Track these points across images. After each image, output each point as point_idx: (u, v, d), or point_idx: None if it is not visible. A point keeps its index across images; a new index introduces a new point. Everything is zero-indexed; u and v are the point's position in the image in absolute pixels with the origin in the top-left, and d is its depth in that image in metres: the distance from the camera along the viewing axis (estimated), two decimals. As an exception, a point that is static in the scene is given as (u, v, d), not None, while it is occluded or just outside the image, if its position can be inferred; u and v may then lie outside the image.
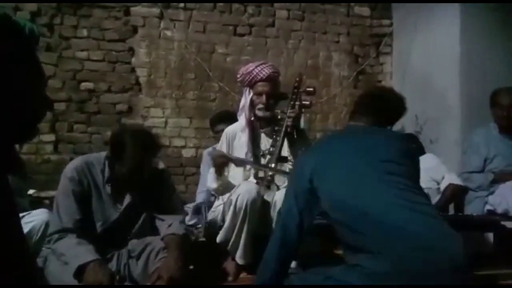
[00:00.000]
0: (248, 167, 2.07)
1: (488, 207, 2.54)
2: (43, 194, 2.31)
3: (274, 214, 1.87)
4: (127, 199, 1.70)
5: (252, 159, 2.05)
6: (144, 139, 1.65)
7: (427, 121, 3.40)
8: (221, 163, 1.96)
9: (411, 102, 3.75)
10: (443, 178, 2.74)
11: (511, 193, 2.41)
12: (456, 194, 2.69)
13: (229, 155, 2.01)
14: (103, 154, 1.72)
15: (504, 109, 2.61)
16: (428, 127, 3.27)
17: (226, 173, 2.01)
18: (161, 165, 1.84)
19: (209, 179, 2.06)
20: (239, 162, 1.98)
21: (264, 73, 2.04)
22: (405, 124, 3.76)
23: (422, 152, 3.03)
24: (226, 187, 2.01)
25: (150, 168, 1.69)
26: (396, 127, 3.83)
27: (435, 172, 2.74)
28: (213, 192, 2.19)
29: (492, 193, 2.54)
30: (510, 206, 2.37)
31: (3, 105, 0.76)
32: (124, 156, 1.59)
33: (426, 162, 2.72)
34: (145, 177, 1.67)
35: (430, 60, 3.53)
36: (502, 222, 2.15)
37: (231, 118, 2.81)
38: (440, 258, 1.21)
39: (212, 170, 2.03)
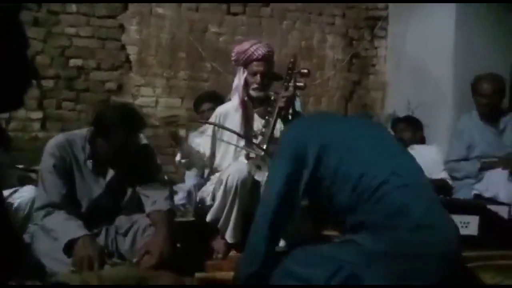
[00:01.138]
0: (239, 147, 2.06)
1: (474, 191, 2.56)
2: (31, 168, 2.28)
3: (264, 194, 1.87)
4: (110, 174, 1.69)
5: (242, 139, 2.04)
6: (130, 116, 1.63)
7: (419, 106, 3.40)
8: (171, 122, 1.96)
9: (404, 87, 3.83)
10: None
11: (499, 179, 2.44)
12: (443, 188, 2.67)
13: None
14: (85, 130, 1.70)
15: (486, 97, 2.58)
16: (420, 112, 3.27)
17: (196, 144, 2.02)
18: (144, 140, 1.82)
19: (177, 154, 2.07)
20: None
21: (259, 52, 2.00)
22: (396, 108, 3.77)
23: (423, 140, 3.05)
24: (192, 161, 2.03)
25: (134, 145, 1.68)
26: (388, 111, 3.90)
27: (432, 169, 2.70)
28: (177, 164, 2.20)
29: (479, 180, 2.56)
30: (499, 191, 2.39)
31: None
32: (109, 134, 1.58)
33: (429, 154, 2.72)
34: (127, 154, 1.66)
35: (425, 45, 3.51)
36: (488, 206, 2.18)
37: (216, 98, 2.79)
38: (438, 242, 1.21)
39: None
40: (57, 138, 1.68)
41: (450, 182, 2.71)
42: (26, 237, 1.60)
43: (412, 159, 1.40)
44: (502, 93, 2.66)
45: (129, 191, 1.73)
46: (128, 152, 1.65)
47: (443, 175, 2.74)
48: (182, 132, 3.40)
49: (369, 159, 1.30)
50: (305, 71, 2.00)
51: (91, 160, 1.66)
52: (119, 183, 1.71)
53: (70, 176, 1.63)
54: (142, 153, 1.76)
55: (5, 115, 2.92)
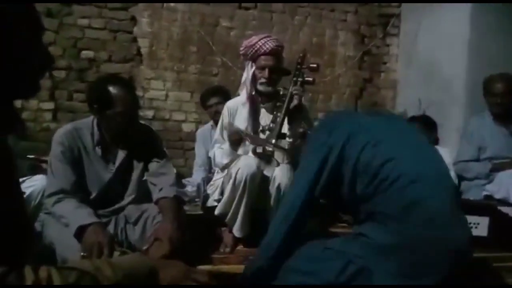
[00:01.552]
0: (247, 142, 2.05)
1: (485, 192, 2.54)
2: (42, 158, 2.30)
3: (273, 189, 1.87)
4: (119, 159, 1.70)
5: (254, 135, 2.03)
6: (123, 81, 1.65)
7: (430, 106, 3.37)
8: (236, 140, 1.95)
9: (415, 85, 3.79)
10: None
11: (510, 180, 2.41)
12: None
13: (246, 132, 1.98)
14: (91, 118, 1.71)
15: (497, 97, 2.57)
16: (431, 112, 3.24)
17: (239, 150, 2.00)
18: (149, 125, 1.85)
19: (218, 155, 2.02)
20: (254, 140, 1.94)
21: (267, 46, 1.99)
22: (408, 107, 3.74)
23: (436, 141, 3.01)
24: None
25: (137, 116, 1.69)
26: (399, 110, 3.87)
27: None
28: (215, 168, 2.17)
29: (491, 181, 2.53)
30: (510, 193, 2.37)
31: (2, 58, 0.73)
32: (111, 100, 1.58)
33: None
34: (134, 130, 1.67)
35: (438, 45, 3.47)
36: (499, 207, 2.16)
37: (223, 93, 2.80)
38: (449, 240, 1.19)
39: (224, 146, 2.01)
40: (65, 127, 1.69)
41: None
42: (37, 225, 1.62)
43: (436, 155, 1.39)
44: None
45: (138, 175, 1.75)
46: (134, 127, 1.66)
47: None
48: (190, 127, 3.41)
49: (391, 151, 1.29)
50: (314, 65, 1.99)
51: (99, 146, 1.68)
52: (128, 167, 1.73)
53: (79, 164, 1.65)
54: (148, 137, 1.78)
55: (17, 105, 2.95)
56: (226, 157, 1.98)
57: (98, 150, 1.68)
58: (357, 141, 1.31)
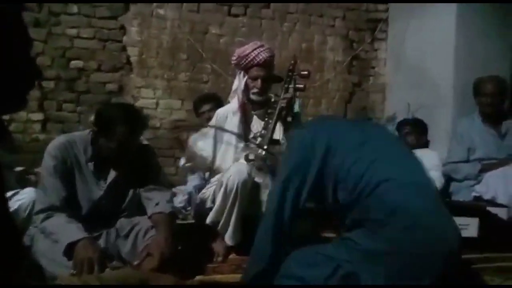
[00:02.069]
0: (239, 149, 2.06)
1: (474, 194, 2.57)
2: (31, 170, 2.27)
3: (264, 196, 1.86)
4: (111, 176, 1.69)
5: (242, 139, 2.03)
6: (132, 112, 1.64)
7: (419, 109, 3.40)
8: (177, 126, 1.95)
9: (404, 89, 3.83)
10: None
11: (498, 180, 2.44)
12: None
13: (190, 123, 2.00)
14: (86, 132, 1.70)
15: (488, 97, 2.62)
16: (420, 115, 3.27)
17: (199, 148, 2.00)
18: (144, 142, 1.82)
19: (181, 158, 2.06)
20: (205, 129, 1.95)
21: (260, 57, 1.99)
22: (397, 111, 3.77)
23: (427, 143, 3.05)
24: (196, 165, 2.02)
25: (136, 144, 1.67)
26: (388, 113, 3.90)
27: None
28: (181, 168, 2.18)
29: (479, 182, 2.56)
30: (497, 193, 2.40)
31: None
32: (113, 131, 1.57)
33: (427, 159, 2.72)
34: (129, 153, 1.65)
35: (425, 48, 3.51)
36: (488, 208, 2.18)
37: (215, 99, 2.79)
38: (436, 242, 1.21)
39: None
40: (58, 139, 1.67)
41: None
42: (26, 240, 1.60)
43: (416, 160, 1.41)
44: (504, 94, 2.68)
45: (130, 193, 1.73)
46: (131, 152, 1.65)
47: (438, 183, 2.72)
48: (185, 136, 3.42)
49: (370, 159, 1.31)
50: (305, 72, 2.01)
51: (92, 162, 1.66)
52: (120, 185, 1.71)
53: (71, 178, 1.63)
54: (143, 154, 1.76)
55: (6, 117, 2.91)
56: (184, 158, 2.02)
57: (91, 165, 1.66)
58: (337, 150, 1.33)
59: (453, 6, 3.27)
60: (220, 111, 2.14)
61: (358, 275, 1.21)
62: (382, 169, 1.28)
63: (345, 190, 1.30)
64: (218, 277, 1.73)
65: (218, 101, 2.73)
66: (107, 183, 1.68)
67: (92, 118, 1.69)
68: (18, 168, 2.33)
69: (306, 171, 1.34)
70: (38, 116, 3.33)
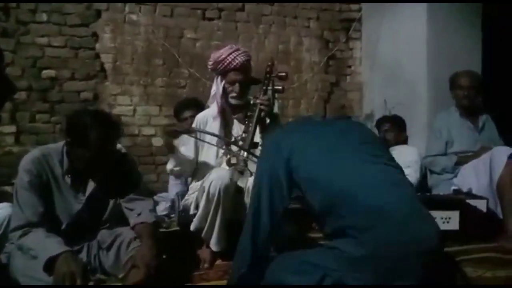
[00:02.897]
0: (220, 153, 2.04)
1: (453, 187, 2.62)
2: (6, 187, 2.19)
3: (247, 200, 1.85)
4: (89, 188, 1.64)
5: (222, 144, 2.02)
6: (104, 117, 1.58)
7: (396, 106, 3.47)
8: (170, 131, 1.91)
9: (380, 87, 3.89)
10: None
11: (470, 172, 2.50)
12: None
13: (180, 127, 1.98)
14: (61, 144, 1.64)
15: (464, 89, 2.71)
16: (397, 112, 3.33)
17: (182, 153, 1.98)
18: (123, 150, 1.77)
19: (169, 161, 2.02)
20: (203, 133, 1.92)
21: (237, 61, 1.98)
22: (374, 108, 3.83)
23: (405, 140, 3.10)
24: (184, 169, 2.00)
25: (113, 151, 1.63)
26: (366, 111, 3.96)
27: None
28: (169, 173, 2.14)
29: (457, 175, 2.62)
30: (472, 185, 2.46)
31: None
32: (85, 139, 1.51)
33: (405, 155, 2.77)
34: (108, 162, 1.60)
35: (398, 46, 3.59)
36: (467, 200, 2.23)
37: (197, 104, 2.75)
38: (417, 240, 1.21)
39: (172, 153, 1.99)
40: (33, 154, 1.61)
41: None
42: (3, 257, 1.54)
43: (390, 158, 1.42)
44: (480, 87, 2.76)
45: (111, 204, 1.69)
46: (108, 160, 1.60)
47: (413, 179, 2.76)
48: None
49: (339, 163, 1.31)
50: (283, 74, 2.01)
51: (69, 175, 1.61)
52: (99, 197, 1.66)
53: (47, 192, 1.58)
54: (122, 163, 1.71)
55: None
56: (170, 162, 1.99)
57: (68, 178, 1.61)
58: (299, 158, 1.33)
59: (423, 4, 3.34)
60: (199, 116, 2.11)
61: (346, 283, 1.21)
62: (352, 174, 1.28)
63: (316, 198, 1.30)
64: (205, 284, 1.70)
65: (200, 106, 2.70)
66: (86, 195, 1.63)
67: (63, 128, 1.63)
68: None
69: (276, 175, 1.34)
70: (11, 128, 3.23)
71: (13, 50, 3.23)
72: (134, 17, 3.52)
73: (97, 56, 3.46)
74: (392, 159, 1.44)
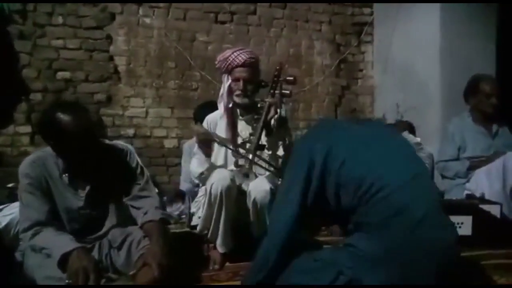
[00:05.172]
0: (229, 155, 2.04)
1: (466, 192, 2.59)
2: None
3: (249, 203, 1.84)
4: (88, 185, 1.64)
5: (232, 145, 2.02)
6: (71, 111, 1.52)
7: (408, 110, 3.44)
8: (204, 140, 1.91)
9: (392, 90, 3.87)
10: None
11: (483, 177, 2.47)
12: None
13: (212, 133, 1.97)
14: None
15: (490, 96, 2.60)
16: (409, 116, 3.32)
17: (212, 157, 1.97)
18: (120, 145, 1.77)
19: (194, 165, 1.99)
20: (222, 141, 1.92)
21: (240, 58, 1.99)
22: (386, 112, 3.81)
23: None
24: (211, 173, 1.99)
25: (97, 141, 1.61)
26: (377, 115, 3.94)
27: None
28: (197, 181, 2.13)
29: (470, 180, 2.59)
30: (484, 190, 2.42)
31: None
32: (59, 136, 1.49)
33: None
34: (97, 154, 1.59)
35: (411, 49, 3.57)
36: (480, 205, 2.20)
37: (216, 107, 2.76)
38: (436, 242, 1.21)
39: (198, 153, 1.98)
40: (29, 158, 1.63)
41: None
42: (18, 255, 1.57)
43: (416, 159, 1.41)
44: (500, 93, 2.68)
45: (115, 201, 1.69)
46: (97, 152, 1.58)
47: None
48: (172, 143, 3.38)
49: (372, 161, 1.30)
50: (291, 78, 2.00)
51: (66, 174, 1.62)
52: (100, 193, 1.66)
53: (48, 193, 1.59)
54: (119, 157, 1.71)
55: (-8, 130, 2.87)
56: (200, 166, 1.96)
57: (65, 178, 1.62)
58: (337, 154, 1.32)
59: (436, 8, 3.32)
60: (209, 117, 2.13)
61: (361, 281, 1.20)
62: (384, 171, 1.27)
63: (347, 195, 1.28)
64: (215, 285, 1.71)
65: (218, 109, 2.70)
66: (85, 192, 1.64)
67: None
68: (10, 185, 2.30)
69: (308, 181, 1.32)
70: (26, 128, 3.29)
71: (30, 52, 3.30)
72: (147, 20, 3.57)
73: (111, 58, 3.51)
74: (422, 161, 1.44)
